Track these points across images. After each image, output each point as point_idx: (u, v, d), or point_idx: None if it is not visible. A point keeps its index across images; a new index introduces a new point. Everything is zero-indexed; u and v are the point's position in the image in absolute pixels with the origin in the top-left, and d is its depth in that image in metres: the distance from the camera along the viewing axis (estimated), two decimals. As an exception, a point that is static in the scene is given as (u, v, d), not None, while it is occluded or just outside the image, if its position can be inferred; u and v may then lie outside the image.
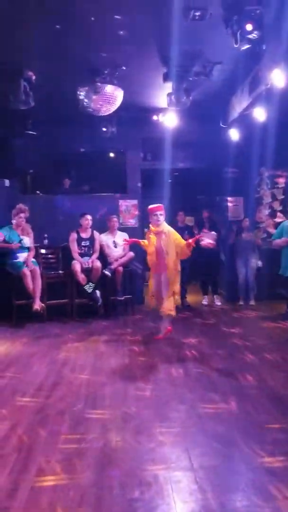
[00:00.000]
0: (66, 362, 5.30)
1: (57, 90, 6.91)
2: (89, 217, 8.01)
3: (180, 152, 8.74)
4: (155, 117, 8.22)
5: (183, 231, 8.01)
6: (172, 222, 7.51)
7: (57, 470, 2.90)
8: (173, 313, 6.22)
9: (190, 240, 6.09)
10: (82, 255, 7.86)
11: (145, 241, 6.53)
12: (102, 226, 8.32)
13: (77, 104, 6.29)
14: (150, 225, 6.42)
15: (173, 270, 6.16)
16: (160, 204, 6.39)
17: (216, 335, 6.58)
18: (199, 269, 8.96)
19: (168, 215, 6.56)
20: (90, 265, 7.70)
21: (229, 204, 9.41)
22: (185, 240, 6.21)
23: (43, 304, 7.32)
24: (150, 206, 6.37)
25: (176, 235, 6.23)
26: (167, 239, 6.16)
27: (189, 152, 8.97)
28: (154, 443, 3.24)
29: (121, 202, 9.16)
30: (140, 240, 6.75)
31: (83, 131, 8.39)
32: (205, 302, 9.03)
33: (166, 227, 6.28)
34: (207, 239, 8.50)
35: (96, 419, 3.69)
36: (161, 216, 6.27)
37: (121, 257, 8.10)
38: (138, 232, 8.63)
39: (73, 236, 7.92)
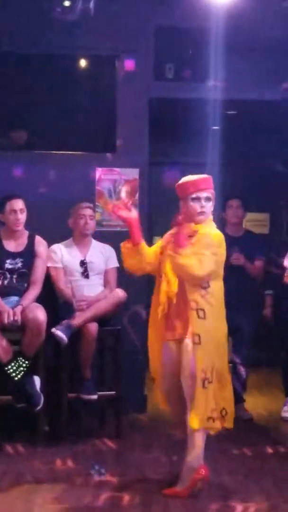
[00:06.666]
0: None
1: None
2: (21, 204, 3.73)
3: (239, 66, 4.17)
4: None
5: (236, 244, 4.18)
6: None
7: None
8: (213, 426, 2.76)
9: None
10: (4, 290, 3.67)
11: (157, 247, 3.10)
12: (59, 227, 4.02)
13: None
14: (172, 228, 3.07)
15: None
16: (206, 176, 3.10)
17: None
18: (277, 339, 4.53)
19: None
20: (18, 318, 3.51)
21: None
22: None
23: None
24: (185, 179, 3.02)
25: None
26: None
27: (257, 67, 4.41)
28: None
29: (99, 172, 4.55)
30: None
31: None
32: (286, 412, 4.46)
33: (206, 229, 2.96)
34: None
35: None
36: (208, 202, 2.99)
37: (95, 300, 3.81)
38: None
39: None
